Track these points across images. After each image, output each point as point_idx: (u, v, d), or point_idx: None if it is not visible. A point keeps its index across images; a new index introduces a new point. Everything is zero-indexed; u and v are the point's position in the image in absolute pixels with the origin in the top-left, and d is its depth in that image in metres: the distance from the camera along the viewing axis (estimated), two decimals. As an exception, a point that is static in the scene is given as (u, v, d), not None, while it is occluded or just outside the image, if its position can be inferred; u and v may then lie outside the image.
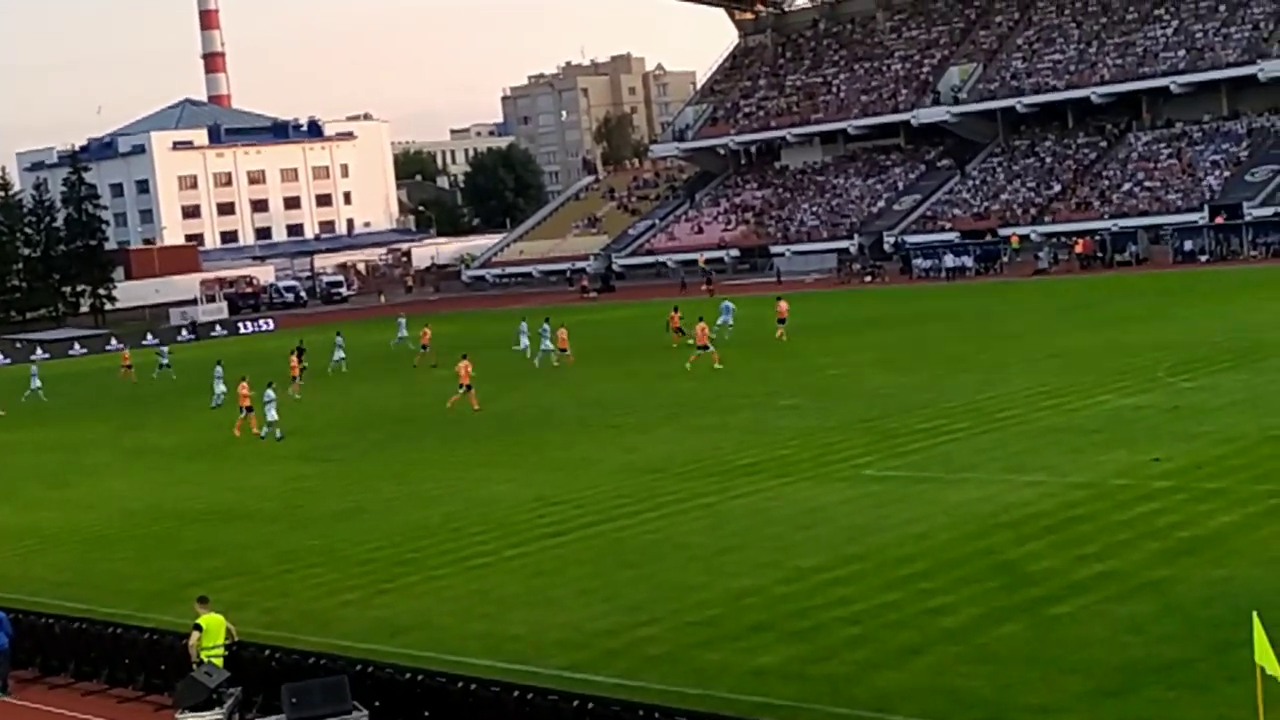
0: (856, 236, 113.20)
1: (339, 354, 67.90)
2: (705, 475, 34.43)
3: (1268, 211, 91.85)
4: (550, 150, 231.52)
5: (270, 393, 47.85)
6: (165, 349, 79.48)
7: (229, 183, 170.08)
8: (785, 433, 39.34)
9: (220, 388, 57.81)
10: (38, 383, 67.46)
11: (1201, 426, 34.22)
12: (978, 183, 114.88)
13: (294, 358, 61.27)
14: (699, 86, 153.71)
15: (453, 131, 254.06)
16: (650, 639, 22.11)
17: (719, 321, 63.05)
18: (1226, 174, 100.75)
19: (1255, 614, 15.18)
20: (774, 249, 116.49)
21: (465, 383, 49.57)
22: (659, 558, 27.05)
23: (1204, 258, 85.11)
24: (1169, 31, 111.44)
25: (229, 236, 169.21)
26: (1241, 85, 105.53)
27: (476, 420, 47.12)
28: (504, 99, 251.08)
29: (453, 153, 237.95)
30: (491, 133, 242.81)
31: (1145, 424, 35.42)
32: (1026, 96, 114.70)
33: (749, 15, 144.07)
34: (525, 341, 66.21)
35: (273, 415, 47.53)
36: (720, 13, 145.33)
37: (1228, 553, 23.65)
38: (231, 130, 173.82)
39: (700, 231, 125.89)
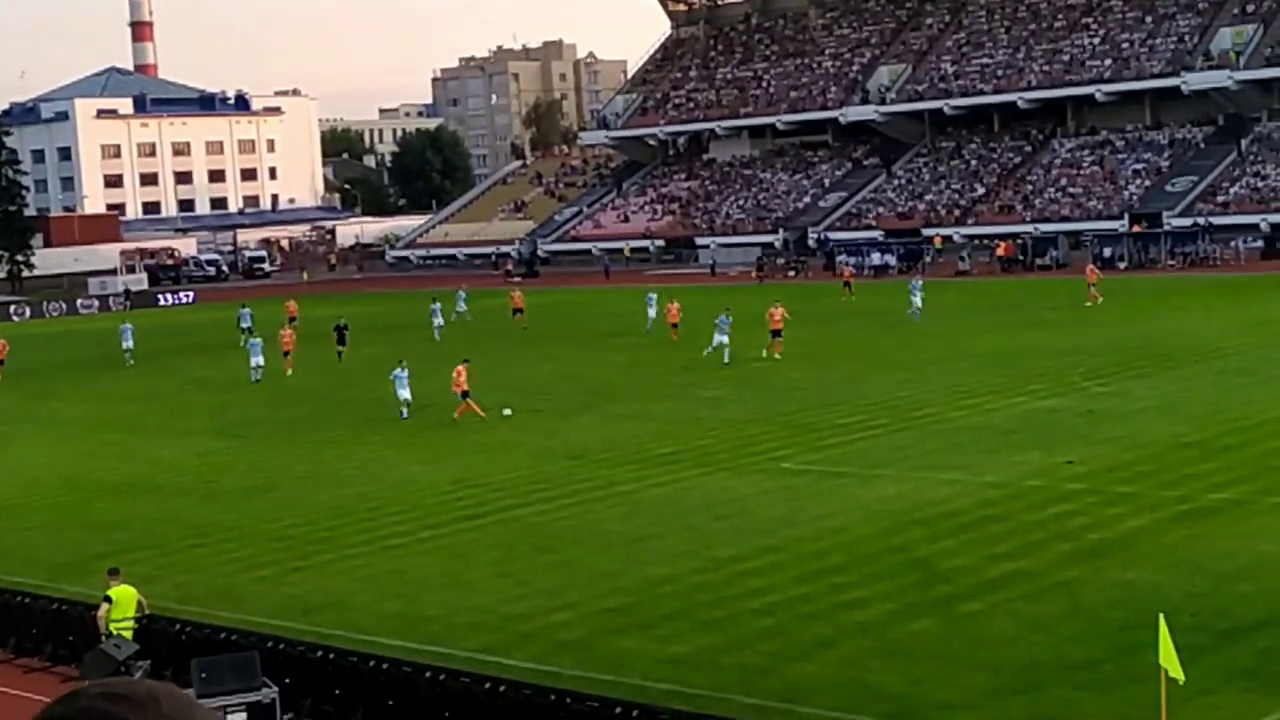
0: (781, 231, 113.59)
1: (438, 319, 67.35)
2: (624, 463, 34.48)
3: (1186, 222, 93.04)
4: (479, 134, 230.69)
5: (399, 371, 44.02)
6: (463, 294, 76.61)
7: (153, 153, 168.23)
8: (705, 424, 39.45)
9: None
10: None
11: (1114, 431, 34.62)
12: (903, 182, 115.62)
13: (290, 330, 59.64)
14: (630, 76, 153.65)
15: (381, 111, 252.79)
16: (564, 624, 22.14)
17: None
18: (1147, 183, 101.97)
19: (1161, 617, 15.40)
20: (699, 240, 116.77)
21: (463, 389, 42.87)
22: (575, 543, 27.08)
23: (1123, 265, 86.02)
24: (1096, 40, 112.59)
25: (151, 207, 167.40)
26: (1165, 96, 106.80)
27: (391, 402, 46.88)
28: (434, 80, 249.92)
29: (380, 132, 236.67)
30: (420, 114, 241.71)
31: (1060, 427, 35.79)
32: (954, 99, 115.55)
33: (682, 6, 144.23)
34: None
35: (406, 394, 43.63)
36: (654, 3, 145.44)
37: (1136, 556, 23.97)
38: (157, 100, 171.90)
39: (626, 220, 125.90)
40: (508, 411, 42.65)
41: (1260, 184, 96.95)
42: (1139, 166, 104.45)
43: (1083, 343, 51.77)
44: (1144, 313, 61.21)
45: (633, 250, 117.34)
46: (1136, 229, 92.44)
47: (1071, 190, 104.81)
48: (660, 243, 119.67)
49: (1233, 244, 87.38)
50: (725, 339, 51.30)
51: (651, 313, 63.25)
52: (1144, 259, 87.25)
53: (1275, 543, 24.16)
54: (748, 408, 41.76)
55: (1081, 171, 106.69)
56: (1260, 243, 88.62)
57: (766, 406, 41.66)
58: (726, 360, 50.59)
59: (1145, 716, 16.38)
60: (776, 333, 52.37)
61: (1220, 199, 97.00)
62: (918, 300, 62.36)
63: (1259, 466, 29.83)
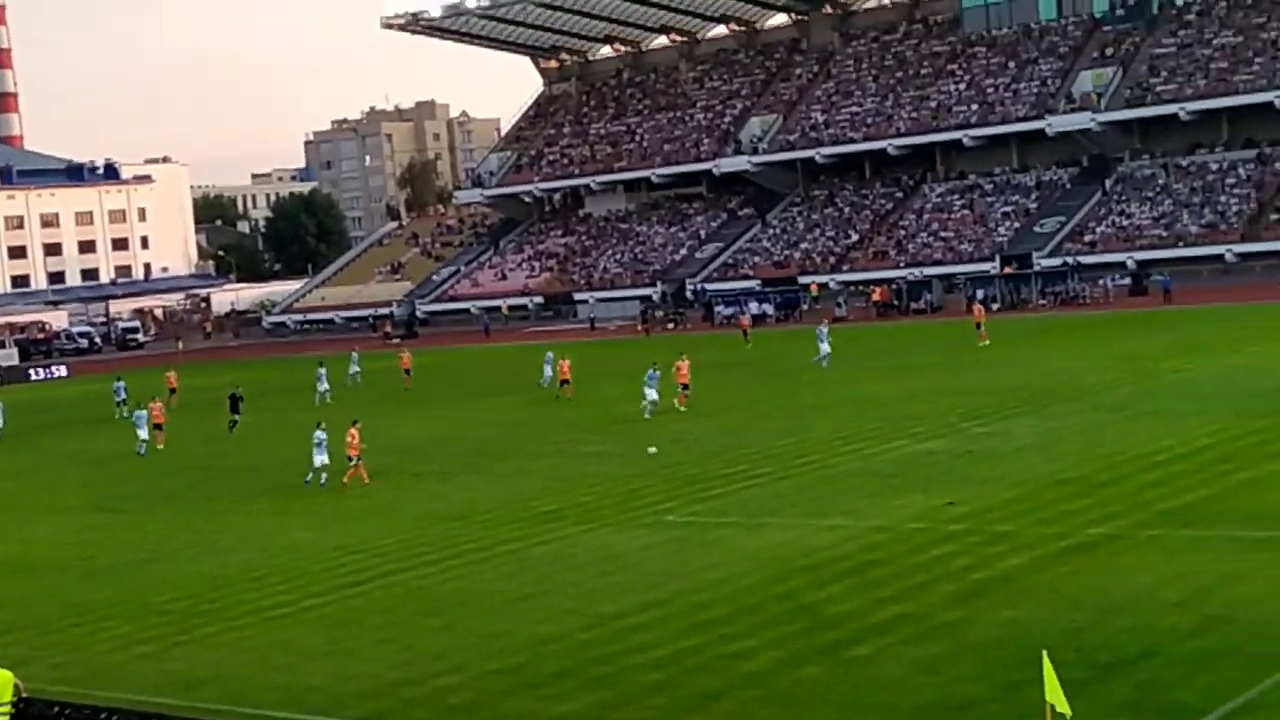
0: (659, 284, 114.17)
1: (323, 384, 66.33)
2: (508, 522, 34.31)
3: (1055, 262, 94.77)
4: (354, 196, 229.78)
5: (320, 434, 42.38)
6: (355, 355, 76.83)
7: (21, 225, 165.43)
8: (588, 479, 39.38)
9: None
10: None
11: (993, 471, 35.02)
12: (778, 231, 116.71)
13: (160, 403, 58.17)
14: (503, 133, 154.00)
15: (254, 176, 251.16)
16: (451, 688, 21.93)
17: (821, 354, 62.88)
18: (1017, 225, 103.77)
19: (1045, 653, 15.56)
20: (578, 296, 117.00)
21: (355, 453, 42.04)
22: (461, 605, 26.87)
23: (995, 306, 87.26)
24: (962, 87, 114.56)
25: (20, 281, 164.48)
26: (1030, 139, 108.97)
27: (273, 469, 46.34)
28: (306, 144, 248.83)
29: (254, 197, 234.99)
30: (294, 177, 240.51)
31: (940, 468, 36.15)
32: (825, 148, 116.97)
33: (554, 64, 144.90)
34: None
35: (322, 459, 41.98)
36: (525, 61, 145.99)
37: (1018, 594, 24.20)
38: (24, 172, 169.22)
39: (504, 278, 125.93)
40: (653, 450, 42.75)
41: (1125, 222, 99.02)
42: (1008, 209, 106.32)
43: (961, 384, 52.41)
44: (1019, 353, 62.09)
45: (511, 308, 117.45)
46: (1008, 270, 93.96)
47: (943, 234, 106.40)
48: (539, 299, 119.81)
49: (1101, 282, 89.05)
50: (655, 394, 50.76)
51: (548, 371, 63.08)
52: (1016, 299, 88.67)
53: (1152, 575, 24.54)
54: (631, 462, 41.75)
55: (952, 215, 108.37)
56: (1127, 280, 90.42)
57: (649, 459, 41.67)
58: (648, 416, 50.20)
59: (1032, 754, 16.50)
60: (684, 385, 52.56)
61: (1087, 238, 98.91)
62: (825, 347, 62.91)
63: (1134, 501, 30.29)
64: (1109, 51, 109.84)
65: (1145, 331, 65.87)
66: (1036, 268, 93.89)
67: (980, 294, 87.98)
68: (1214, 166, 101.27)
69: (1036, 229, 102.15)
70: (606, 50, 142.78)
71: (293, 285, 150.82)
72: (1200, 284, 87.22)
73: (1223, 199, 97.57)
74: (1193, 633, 21.33)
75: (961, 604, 23.84)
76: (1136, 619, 22.14)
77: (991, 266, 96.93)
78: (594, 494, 36.97)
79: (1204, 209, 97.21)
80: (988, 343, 64.88)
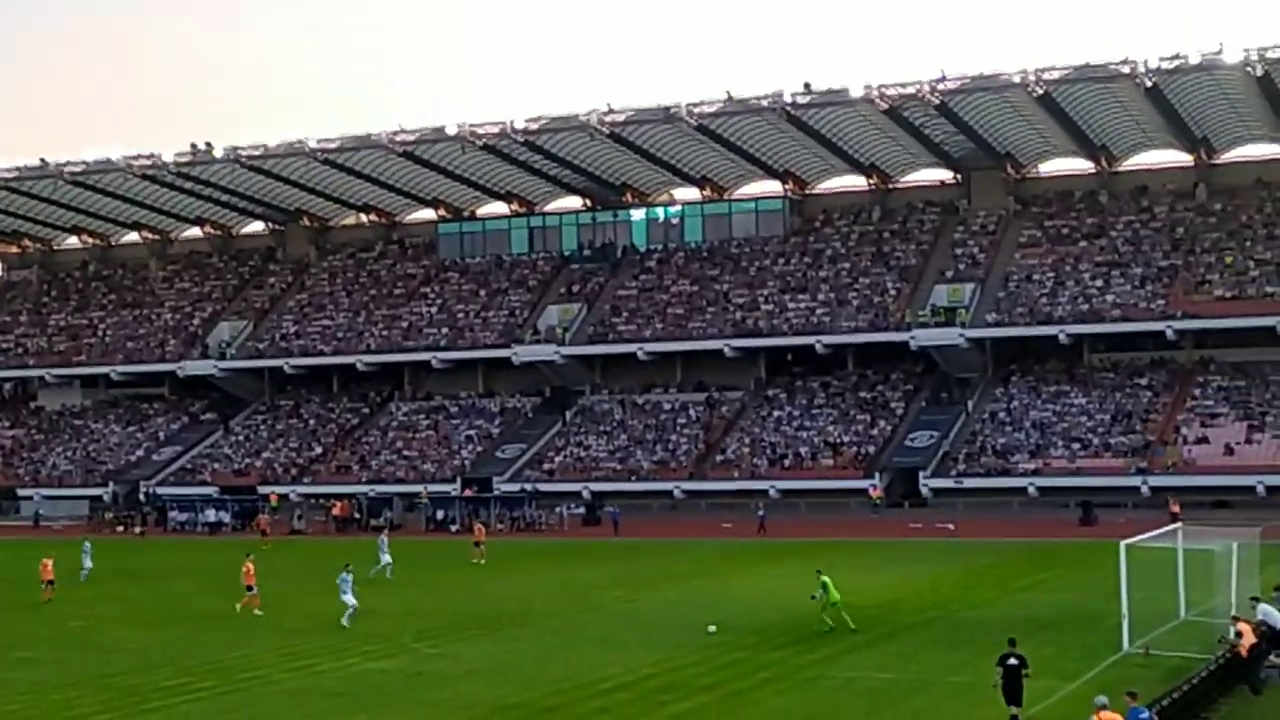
0: (112, 484, 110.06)
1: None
2: (-79, 732, 31.81)
3: (514, 487, 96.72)
4: None
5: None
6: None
7: None
8: (15, 687, 37.04)
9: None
10: None
11: (441, 693, 34.99)
12: (241, 439, 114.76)
13: None
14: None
15: None
16: None
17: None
18: (479, 448, 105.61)
19: None
20: (22, 492, 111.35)
21: None
22: None
23: (454, 527, 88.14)
24: (434, 310, 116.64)
25: None
26: (497, 366, 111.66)
27: None
28: None
29: None
30: None
31: (388, 689, 35.84)
32: (294, 358, 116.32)
33: (14, 249, 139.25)
34: None
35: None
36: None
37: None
38: None
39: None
40: (712, 629, 42.75)
41: (583, 453, 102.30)
42: (472, 432, 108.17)
43: (415, 605, 52.37)
44: (475, 575, 62.69)
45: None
46: (468, 493, 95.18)
47: (407, 453, 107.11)
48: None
49: (557, 510, 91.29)
50: (353, 598, 47.51)
51: (87, 563, 61.38)
52: (475, 522, 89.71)
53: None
54: (66, 670, 39.57)
55: (417, 435, 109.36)
56: (582, 510, 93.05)
57: (85, 668, 39.64)
58: (345, 624, 46.83)
59: None
60: (250, 587, 50.56)
61: (546, 466, 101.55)
62: (386, 557, 61.70)
63: (578, 727, 30.81)
64: (575, 289, 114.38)
65: (596, 561, 67.75)
66: (496, 492, 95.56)
67: (441, 514, 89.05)
68: (667, 406, 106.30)
69: (498, 454, 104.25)
70: (73, 240, 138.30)
71: None
72: (650, 517, 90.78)
73: (673, 437, 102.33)
74: None
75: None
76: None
77: (453, 488, 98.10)
78: (19, 704, 34.76)
79: (656, 446, 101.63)
80: (483, 561, 65.79)
